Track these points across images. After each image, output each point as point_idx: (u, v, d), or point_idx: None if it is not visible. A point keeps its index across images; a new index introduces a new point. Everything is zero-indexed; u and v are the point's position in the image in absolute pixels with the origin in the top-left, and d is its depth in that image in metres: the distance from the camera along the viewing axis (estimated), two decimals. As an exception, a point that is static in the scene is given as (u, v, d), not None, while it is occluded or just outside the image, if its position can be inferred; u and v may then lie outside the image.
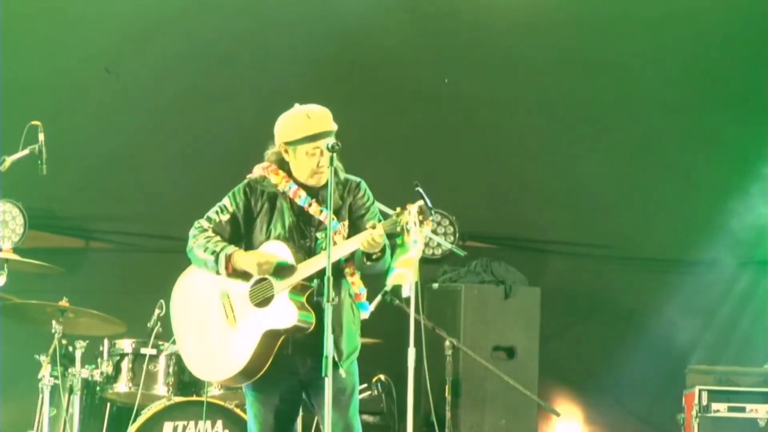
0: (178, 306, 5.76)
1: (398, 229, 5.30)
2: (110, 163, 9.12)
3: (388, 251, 5.49)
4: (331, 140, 5.47)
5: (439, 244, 9.15)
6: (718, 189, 9.48)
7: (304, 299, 5.46)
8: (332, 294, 5.15)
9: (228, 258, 5.48)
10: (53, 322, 7.30)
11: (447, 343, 7.83)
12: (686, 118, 9.52)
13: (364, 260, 5.48)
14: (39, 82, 8.81)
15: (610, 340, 9.48)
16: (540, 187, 9.67)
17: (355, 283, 5.59)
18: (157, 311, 7.33)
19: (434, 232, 9.08)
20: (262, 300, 5.51)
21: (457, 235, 9.36)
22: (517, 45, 9.30)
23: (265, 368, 5.49)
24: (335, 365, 5.42)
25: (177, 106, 9.07)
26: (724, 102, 9.45)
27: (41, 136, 6.97)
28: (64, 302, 7.29)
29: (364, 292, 5.63)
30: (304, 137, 5.51)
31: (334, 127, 5.56)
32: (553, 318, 9.25)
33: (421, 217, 5.27)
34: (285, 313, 5.43)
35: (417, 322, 7.03)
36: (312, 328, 5.42)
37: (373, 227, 5.36)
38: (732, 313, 9.55)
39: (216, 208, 5.64)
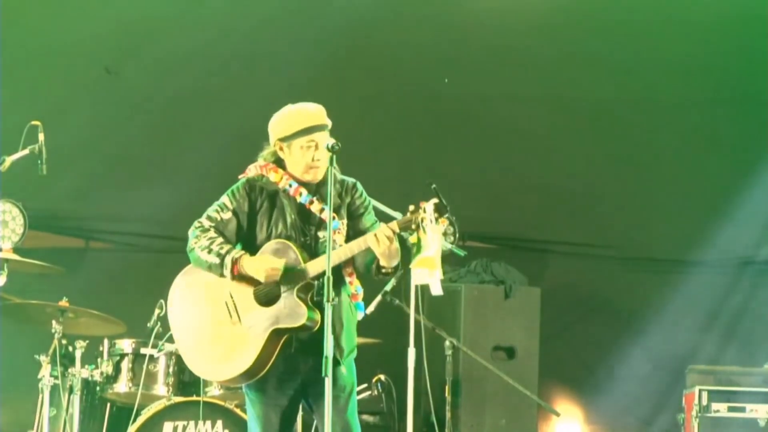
0: (176, 306, 5.72)
1: (413, 226, 5.32)
2: (110, 163, 9.12)
3: (400, 265, 5.50)
4: (329, 138, 5.48)
5: (439, 244, 9.13)
6: (718, 189, 9.48)
7: (308, 298, 5.46)
8: (332, 294, 5.15)
9: (234, 262, 5.47)
10: (53, 322, 7.30)
11: (447, 343, 7.82)
12: (686, 118, 9.51)
13: (373, 272, 5.51)
14: (39, 82, 8.81)
15: (611, 340, 9.48)
16: (540, 187, 9.67)
17: (352, 283, 5.60)
18: (157, 311, 7.33)
19: (434, 231, 9.07)
20: (268, 299, 5.51)
21: (457, 235, 9.34)
22: (517, 45, 9.29)
23: (267, 367, 5.49)
24: (336, 362, 5.45)
25: (177, 106, 9.07)
26: (724, 102, 9.45)
27: (41, 136, 6.97)
28: (64, 302, 7.29)
29: (360, 292, 5.64)
30: (298, 131, 5.54)
31: (328, 121, 5.60)
32: (553, 318, 9.25)
33: (436, 215, 5.28)
34: (294, 312, 5.43)
35: (417, 322, 7.03)
36: (317, 326, 5.42)
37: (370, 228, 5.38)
38: (732, 313, 9.55)
39: (215, 206, 5.62)
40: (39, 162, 6.97)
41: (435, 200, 5.30)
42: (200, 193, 8.79)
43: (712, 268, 9.60)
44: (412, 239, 5.40)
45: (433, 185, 5.35)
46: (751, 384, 8.47)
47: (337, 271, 5.50)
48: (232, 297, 5.56)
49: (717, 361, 9.06)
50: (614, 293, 9.72)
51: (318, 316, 5.42)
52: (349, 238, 5.52)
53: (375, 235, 5.36)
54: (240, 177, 5.68)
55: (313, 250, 5.53)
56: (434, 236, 5.29)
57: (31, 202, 8.55)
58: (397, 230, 5.36)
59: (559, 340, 9.51)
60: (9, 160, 6.97)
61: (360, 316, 5.69)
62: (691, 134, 9.53)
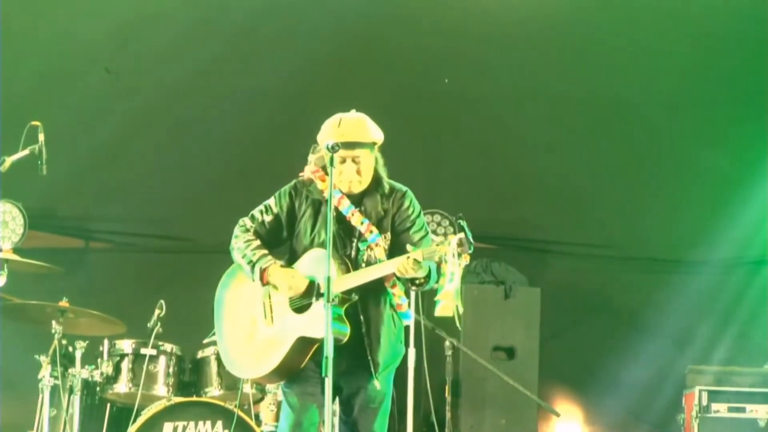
0: (221, 297, 5.79)
1: (437, 258, 5.33)
2: (110, 163, 9.12)
3: (433, 274, 5.48)
4: (368, 155, 5.50)
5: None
6: (718, 189, 9.48)
7: (342, 311, 5.47)
8: (332, 295, 5.17)
9: (262, 271, 5.54)
10: (53, 322, 7.30)
11: (447, 343, 7.83)
12: (686, 118, 9.52)
13: (409, 285, 5.52)
14: (39, 82, 8.81)
15: (611, 340, 9.48)
16: (540, 187, 9.67)
17: (396, 294, 5.59)
18: (157, 311, 7.34)
19: (434, 232, 9.08)
20: (301, 306, 5.54)
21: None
22: (517, 44, 9.30)
23: (298, 369, 5.54)
24: (371, 376, 5.51)
25: (177, 107, 9.07)
26: (725, 101, 9.45)
27: (41, 137, 6.98)
28: (64, 302, 7.28)
29: (405, 302, 5.63)
30: None
31: (370, 137, 5.56)
32: (553, 318, 9.25)
33: (460, 250, 5.28)
34: (320, 323, 5.39)
35: (417, 322, 7.04)
36: (346, 339, 5.44)
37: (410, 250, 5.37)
38: (732, 312, 9.55)
39: (261, 206, 5.69)
40: (39, 162, 6.98)
41: (461, 235, 5.30)
42: (200, 194, 8.84)
43: (712, 268, 9.59)
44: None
45: (460, 220, 5.35)
46: (751, 384, 8.46)
47: (379, 283, 5.50)
48: (270, 297, 5.61)
49: (717, 361, 9.05)
50: (614, 293, 9.71)
51: (348, 329, 5.45)
52: (392, 252, 5.53)
53: (397, 264, 5.36)
54: (300, 174, 5.69)
55: (353, 261, 5.54)
56: (455, 270, 5.30)
57: (31, 202, 8.57)
58: (421, 260, 5.34)
59: (559, 340, 9.49)
60: (9, 160, 6.98)
61: (407, 322, 5.70)
62: (691, 134, 9.53)
